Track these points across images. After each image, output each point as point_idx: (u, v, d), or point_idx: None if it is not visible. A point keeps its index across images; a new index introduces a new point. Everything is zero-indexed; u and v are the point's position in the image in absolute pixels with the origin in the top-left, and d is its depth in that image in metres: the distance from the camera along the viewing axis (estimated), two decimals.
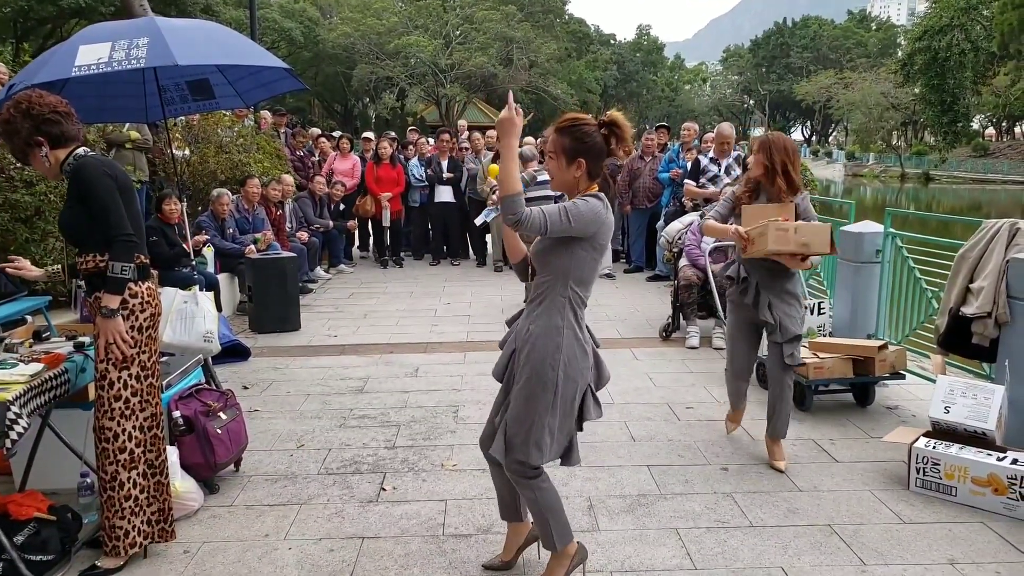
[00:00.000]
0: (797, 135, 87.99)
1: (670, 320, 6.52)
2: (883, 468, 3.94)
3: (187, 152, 7.82)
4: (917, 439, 3.77)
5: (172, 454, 3.45)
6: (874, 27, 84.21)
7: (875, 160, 60.70)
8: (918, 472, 3.68)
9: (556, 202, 2.58)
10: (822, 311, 5.42)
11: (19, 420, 2.79)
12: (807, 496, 3.63)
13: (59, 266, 3.31)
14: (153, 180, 8.11)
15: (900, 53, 64.78)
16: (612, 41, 76.15)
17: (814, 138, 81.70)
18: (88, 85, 4.60)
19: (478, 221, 2.83)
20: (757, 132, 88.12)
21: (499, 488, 2.96)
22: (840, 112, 62.19)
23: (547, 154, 2.64)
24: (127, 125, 7.25)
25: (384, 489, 3.71)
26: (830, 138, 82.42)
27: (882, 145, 61.41)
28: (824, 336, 5.31)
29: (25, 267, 3.30)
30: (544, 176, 2.90)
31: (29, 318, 3.81)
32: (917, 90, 55.20)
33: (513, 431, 2.62)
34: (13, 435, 2.76)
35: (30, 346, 3.34)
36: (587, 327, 2.69)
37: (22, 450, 3.47)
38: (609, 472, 3.89)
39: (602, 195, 2.58)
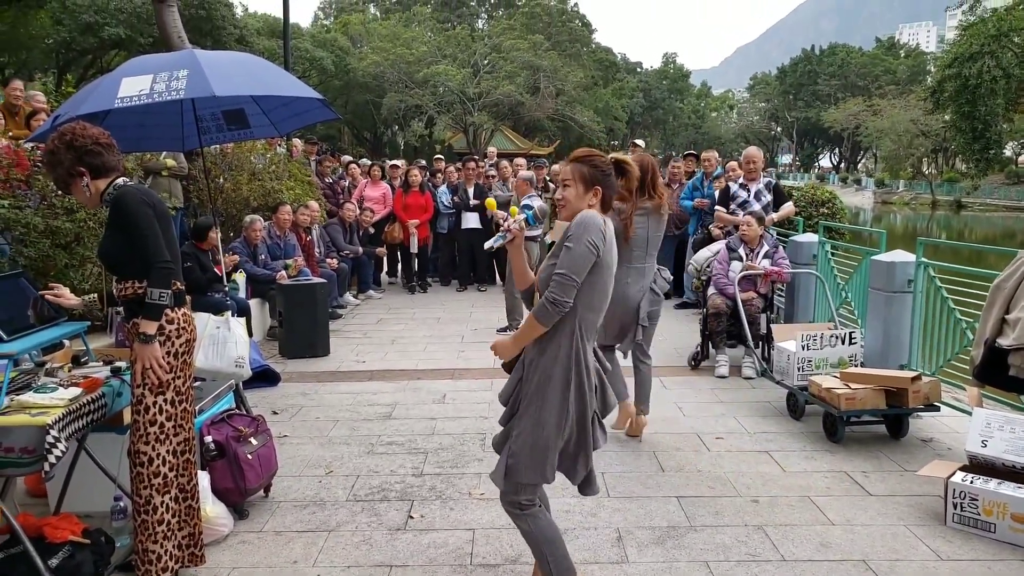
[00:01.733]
0: (826, 162, 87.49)
1: (699, 349, 6.47)
2: (919, 502, 3.86)
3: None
4: (954, 473, 3.70)
5: (203, 479, 3.48)
6: (903, 54, 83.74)
7: (905, 187, 60.02)
8: (955, 507, 3.60)
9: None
10: (853, 341, 5.36)
11: (58, 444, 2.84)
12: (840, 530, 3.57)
13: (95, 295, 3.38)
14: (187, 207, 8.27)
15: (929, 80, 64.22)
16: (639, 69, 76.61)
17: (843, 165, 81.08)
18: (129, 115, 4.69)
19: (486, 246, 2.85)
20: (785, 159, 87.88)
21: None
22: (869, 139, 61.62)
23: (563, 182, 2.69)
24: (163, 153, 7.41)
25: (412, 517, 3.71)
26: (859, 165, 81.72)
27: (912, 172, 60.72)
28: (856, 366, 5.23)
29: (64, 295, 3.37)
30: (528, 201, 2.88)
31: (67, 343, 3.87)
32: (947, 117, 54.52)
33: (517, 457, 2.62)
34: (52, 459, 2.80)
35: (69, 371, 3.40)
36: (596, 350, 2.70)
37: (58, 473, 3.54)
38: (638, 503, 3.85)
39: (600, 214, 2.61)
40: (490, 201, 2.65)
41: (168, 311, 2.93)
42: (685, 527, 3.60)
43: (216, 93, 4.03)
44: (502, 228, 2.71)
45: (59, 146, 2.88)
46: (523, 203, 5.68)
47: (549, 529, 2.73)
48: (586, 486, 2.78)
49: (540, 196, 8.95)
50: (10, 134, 6.27)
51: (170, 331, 2.95)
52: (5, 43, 30.15)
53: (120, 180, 2.96)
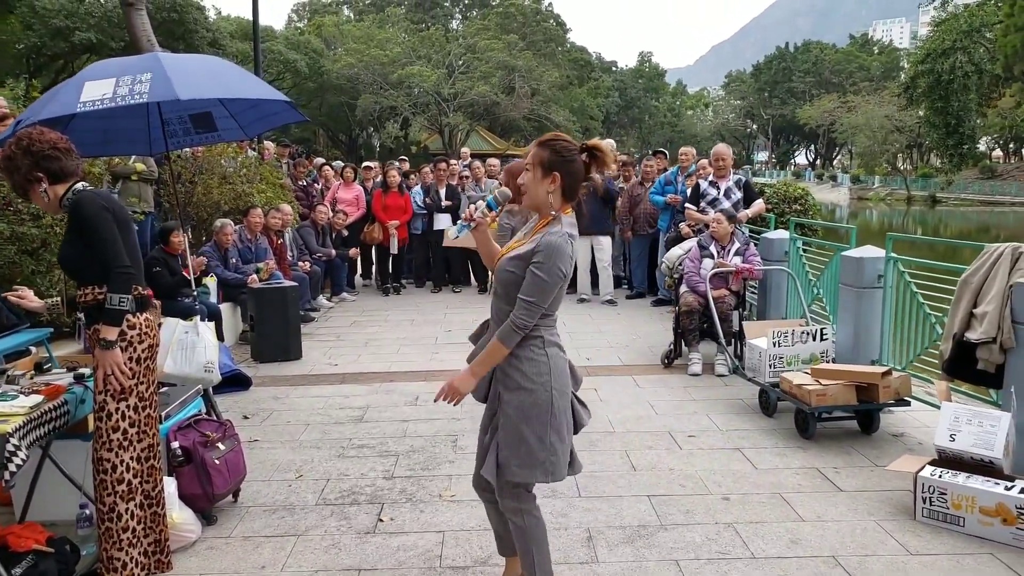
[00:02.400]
0: (801, 159, 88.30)
1: (672, 347, 6.50)
2: (889, 497, 3.89)
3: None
4: (923, 468, 3.73)
5: (170, 485, 3.44)
6: (876, 51, 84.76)
7: (880, 183, 60.73)
8: (924, 502, 3.63)
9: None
10: (824, 337, 5.40)
11: (18, 452, 2.80)
12: (810, 526, 3.59)
13: (59, 298, 3.33)
14: (159, 211, 8.18)
15: (903, 76, 65.09)
16: (614, 68, 76.91)
17: (818, 162, 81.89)
18: (94, 119, 4.64)
19: (450, 237, 2.82)
20: (761, 156, 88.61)
21: (494, 523, 2.94)
22: (844, 136, 62.35)
23: (525, 167, 2.61)
24: (133, 157, 7.32)
25: (381, 520, 3.69)
26: (834, 162, 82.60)
27: (887, 168, 61.50)
28: (827, 362, 5.28)
29: (28, 297, 3.34)
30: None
31: (33, 349, 3.82)
32: (921, 112, 55.41)
33: (508, 454, 2.57)
34: (12, 467, 2.76)
35: (31, 378, 3.35)
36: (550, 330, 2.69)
37: (23, 481, 3.48)
38: (609, 503, 3.86)
39: (567, 232, 2.52)
40: (493, 226, 2.57)
41: (129, 316, 2.90)
42: (655, 526, 3.60)
43: (180, 97, 4.00)
44: (464, 217, 2.66)
45: (16, 151, 2.84)
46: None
47: (540, 530, 2.72)
48: (570, 465, 2.74)
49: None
50: None
51: (132, 336, 2.92)
52: None
53: (79, 185, 2.92)
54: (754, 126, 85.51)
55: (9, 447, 2.75)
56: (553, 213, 2.58)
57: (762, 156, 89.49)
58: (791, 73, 78.03)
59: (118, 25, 25.70)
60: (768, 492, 3.97)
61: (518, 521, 2.68)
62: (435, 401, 2.62)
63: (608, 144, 9.50)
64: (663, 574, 3.17)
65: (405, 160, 11.91)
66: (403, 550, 3.39)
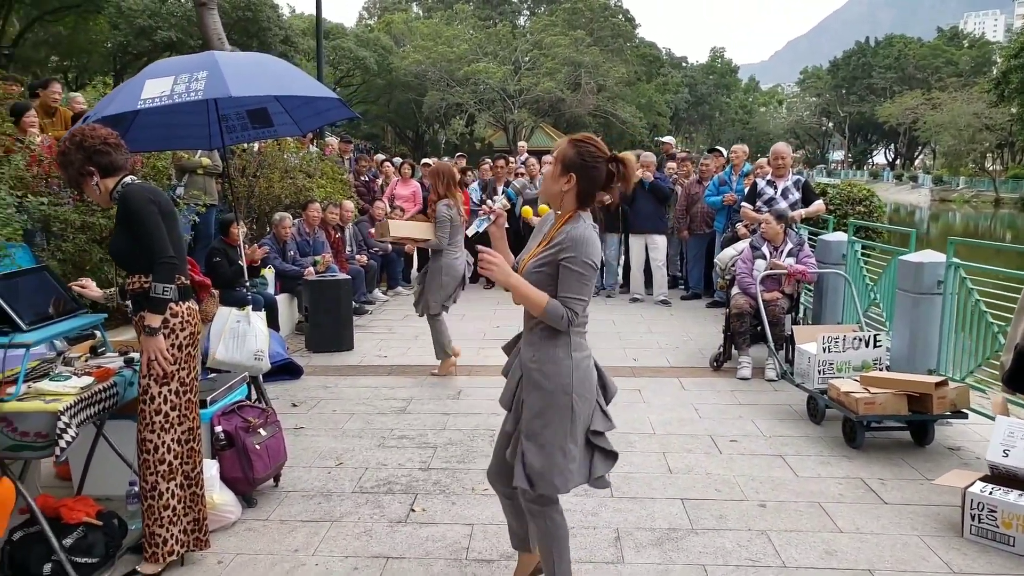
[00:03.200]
0: (880, 158, 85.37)
1: (721, 349, 6.40)
2: (936, 513, 3.75)
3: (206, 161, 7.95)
4: (972, 483, 3.58)
5: (212, 467, 3.58)
6: (966, 44, 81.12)
7: (966, 184, 58.17)
8: (973, 519, 3.49)
9: None
10: (878, 344, 5.23)
11: (68, 430, 2.96)
12: (848, 538, 3.50)
13: (116, 288, 3.49)
14: (223, 203, 8.45)
15: (995, 71, 62.13)
16: (684, 64, 75.68)
17: (898, 162, 78.99)
18: (158, 115, 4.83)
19: (469, 232, 2.80)
20: (836, 156, 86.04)
21: (509, 518, 2.96)
22: (927, 134, 59.93)
23: (546, 161, 2.64)
24: (199, 152, 7.58)
25: (414, 510, 3.76)
26: (916, 162, 79.54)
27: (974, 168, 58.85)
28: (880, 370, 5.12)
29: (89, 287, 3.51)
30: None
31: (97, 333, 4.02)
32: (1014, 110, 52.73)
33: (533, 461, 2.56)
34: (62, 443, 2.93)
35: (85, 360, 3.53)
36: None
37: (79, 457, 3.69)
38: (641, 504, 3.84)
39: (589, 218, 2.55)
40: (526, 209, 2.58)
41: (172, 305, 3.02)
42: (686, 529, 3.57)
43: (232, 93, 4.13)
44: (482, 211, 2.65)
45: (70, 147, 3.00)
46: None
47: (563, 531, 2.72)
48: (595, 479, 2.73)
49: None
50: (48, 134, 6.49)
51: (174, 324, 3.05)
52: (67, 48, 31.28)
53: (128, 179, 3.06)
54: (830, 124, 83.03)
55: (60, 424, 2.91)
56: (569, 213, 2.57)
57: (838, 155, 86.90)
58: (871, 69, 75.39)
59: (196, 23, 26.68)
60: (807, 501, 3.88)
61: (540, 524, 2.69)
62: (480, 270, 2.54)
63: (644, 155, 9.44)
64: None
65: (463, 156, 12.00)
66: (432, 540, 3.45)
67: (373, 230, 7.50)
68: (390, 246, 9.79)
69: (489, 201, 2.67)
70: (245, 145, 8.19)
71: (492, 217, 2.65)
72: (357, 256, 9.07)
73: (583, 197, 2.55)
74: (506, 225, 2.73)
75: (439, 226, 5.97)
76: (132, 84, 4.40)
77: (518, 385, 2.66)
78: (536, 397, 2.56)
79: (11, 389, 3.01)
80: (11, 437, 2.95)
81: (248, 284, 5.54)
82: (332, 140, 10.92)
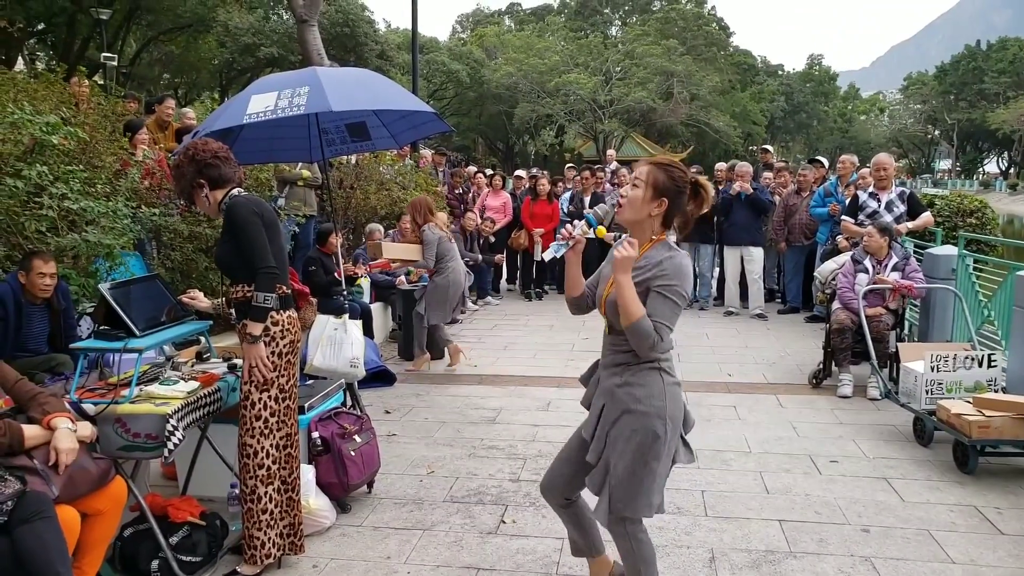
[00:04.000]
0: (991, 167, 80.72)
1: (821, 366, 6.16)
2: None
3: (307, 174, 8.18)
4: None
5: (308, 472, 3.68)
6: None
7: None
8: None
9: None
10: (993, 364, 4.92)
11: (176, 432, 3.09)
12: (961, 570, 3.29)
13: (223, 298, 3.65)
14: (321, 214, 8.73)
15: None
16: (780, 72, 73.56)
17: (1012, 170, 74.45)
18: (261, 129, 5.02)
19: (546, 257, 2.71)
20: (944, 164, 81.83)
21: (568, 528, 2.94)
22: None
23: (632, 181, 2.55)
24: (299, 164, 7.86)
25: (504, 522, 3.76)
26: None
27: None
28: (995, 391, 4.82)
29: (198, 298, 3.67)
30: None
31: (203, 339, 4.21)
32: None
33: (621, 492, 2.52)
34: (170, 445, 3.07)
35: (192, 366, 3.69)
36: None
37: (185, 458, 3.86)
38: (737, 524, 3.72)
39: (681, 248, 2.55)
40: (601, 230, 2.55)
41: (273, 314, 3.12)
42: (784, 552, 3.44)
43: (333, 108, 4.25)
44: (562, 236, 2.61)
45: (183, 160, 3.15)
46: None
47: (649, 550, 2.68)
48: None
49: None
50: (159, 147, 6.85)
51: (275, 332, 3.15)
52: (178, 66, 33.11)
53: (235, 191, 3.19)
54: (936, 132, 79.04)
55: (168, 427, 3.05)
56: (654, 236, 2.55)
57: (945, 164, 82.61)
58: (983, 73, 71.37)
59: (296, 40, 27.76)
60: (915, 528, 3.68)
61: (626, 545, 2.65)
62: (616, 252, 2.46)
63: (740, 166, 9.29)
64: None
65: (573, 168, 12.03)
66: (522, 553, 3.44)
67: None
68: (480, 256, 9.89)
69: (569, 226, 2.61)
70: (344, 158, 8.44)
71: (571, 243, 2.60)
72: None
73: (667, 220, 2.56)
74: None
75: (426, 248, 6.65)
76: (239, 100, 4.59)
77: (600, 414, 2.60)
78: (628, 421, 2.51)
79: (125, 392, 3.16)
80: (124, 438, 3.10)
81: (345, 292, 5.69)
82: (426, 152, 11.12)
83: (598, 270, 2.77)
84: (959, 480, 4.26)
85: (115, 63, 20.74)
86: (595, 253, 8.34)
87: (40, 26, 25.24)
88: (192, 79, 35.10)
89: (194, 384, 3.32)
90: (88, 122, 5.71)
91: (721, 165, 10.53)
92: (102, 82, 17.54)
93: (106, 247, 4.85)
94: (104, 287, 3.44)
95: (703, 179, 2.59)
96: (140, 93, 21.79)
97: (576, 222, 2.62)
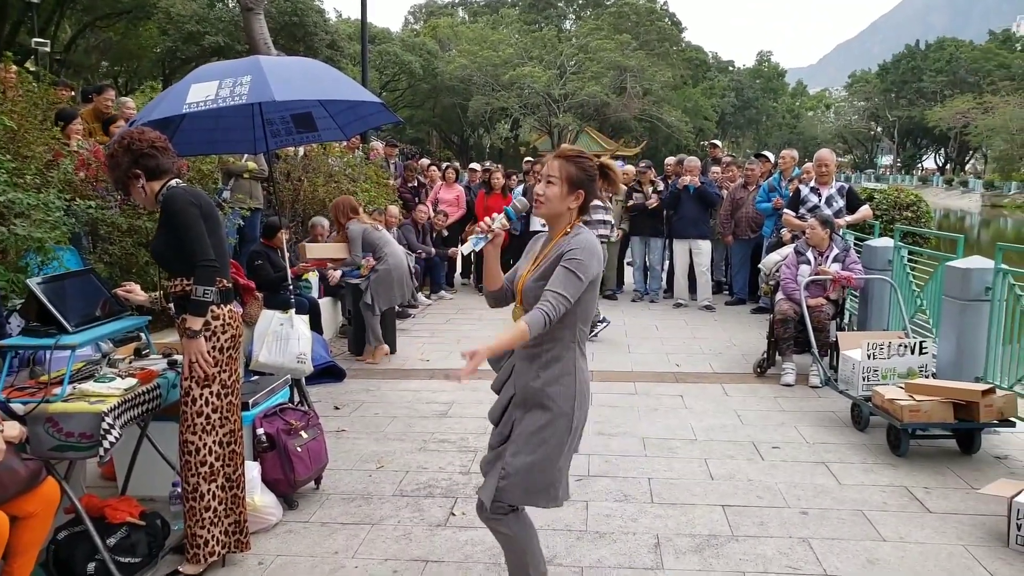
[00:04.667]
0: (930, 163, 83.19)
1: (765, 355, 6.30)
2: (983, 523, 3.66)
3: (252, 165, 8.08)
4: (1019, 493, 3.48)
5: (253, 469, 3.63)
6: (1019, 48, 78.64)
7: (1018, 189, 56.36)
8: (1019, 528, 3.40)
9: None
10: (924, 351, 5.10)
11: (112, 430, 3.02)
12: (890, 547, 3.42)
13: (160, 292, 3.57)
14: (268, 208, 8.59)
15: None
16: (731, 68, 74.72)
17: (948, 166, 76.86)
18: (204, 119, 4.92)
19: (464, 251, 2.69)
20: (886, 160, 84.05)
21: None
22: (978, 139, 58.37)
23: (546, 178, 2.55)
24: (245, 156, 7.72)
25: (454, 514, 3.76)
26: (967, 167, 77.29)
27: None
28: (926, 377, 4.99)
29: (135, 291, 3.59)
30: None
31: (143, 336, 4.11)
32: None
33: (516, 478, 2.54)
34: (106, 444, 2.99)
35: (130, 362, 3.61)
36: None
37: (123, 458, 3.77)
38: (681, 510, 3.79)
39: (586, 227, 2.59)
40: (504, 223, 2.53)
41: (214, 308, 3.07)
42: (727, 536, 3.52)
43: (276, 98, 4.18)
44: (481, 229, 2.59)
45: (118, 150, 3.07)
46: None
47: (529, 528, 2.73)
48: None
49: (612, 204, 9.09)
50: (94, 139, 6.64)
51: (216, 327, 3.09)
52: (118, 53, 32.16)
53: (172, 182, 3.12)
54: (878, 128, 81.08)
55: (104, 425, 2.97)
56: (569, 228, 2.57)
57: (886, 160, 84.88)
58: (921, 72, 73.43)
59: (243, 29, 27.24)
60: (850, 509, 3.80)
61: (505, 531, 2.67)
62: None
63: (688, 160, 9.42)
64: None
65: (531, 161, 12.05)
66: (471, 544, 3.46)
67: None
68: (433, 250, 9.84)
69: (487, 219, 2.60)
70: (291, 149, 8.31)
71: (489, 236, 2.60)
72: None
73: (583, 210, 2.60)
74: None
75: (352, 244, 6.86)
76: (178, 88, 4.48)
77: (509, 402, 2.63)
78: (538, 416, 2.54)
79: (57, 390, 3.07)
80: (57, 437, 3.00)
81: (292, 287, 5.61)
82: (377, 144, 11.01)
83: (515, 267, 2.80)
84: (892, 463, 4.41)
85: (47, 49, 20.04)
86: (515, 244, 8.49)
87: None
88: (132, 68, 34.10)
89: (132, 381, 3.24)
90: (16, 110, 5.50)
91: (671, 160, 10.66)
92: (33, 69, 16.95)
93: (36, 240, 4.67)
94: (33, 282, 3.32)
95: (608, 160, 2.63)
96: (76, 81, 21.12)
97: (495, 215, 2.60)
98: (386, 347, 6.95)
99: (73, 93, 8.03)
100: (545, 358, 2.54)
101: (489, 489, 2.59)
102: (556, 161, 2.56)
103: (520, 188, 10.78)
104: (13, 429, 2.83)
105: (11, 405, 2.98)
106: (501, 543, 2.76)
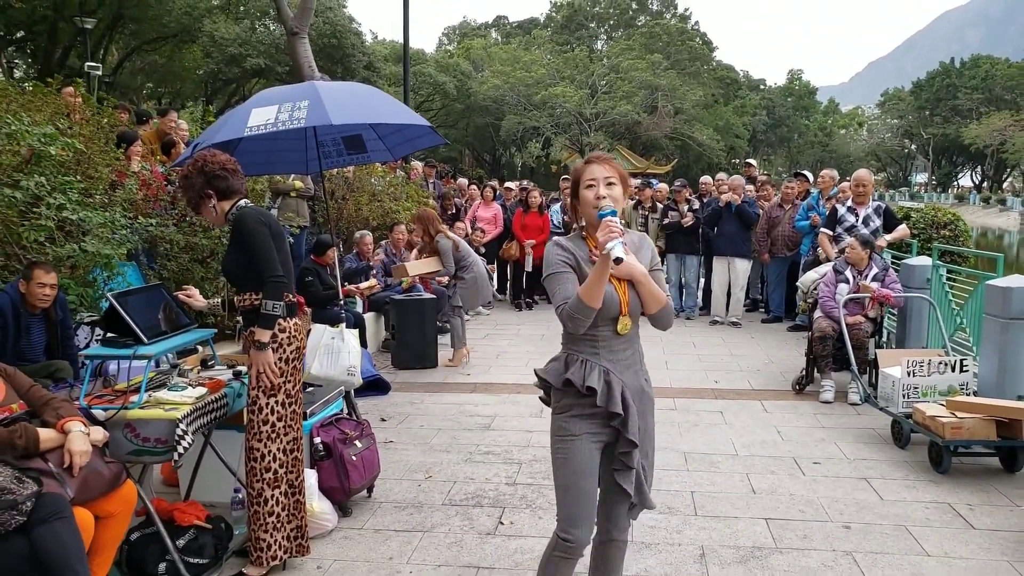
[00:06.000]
0: (965, 181, 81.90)
1: (804, 373, 6.34)
2: None
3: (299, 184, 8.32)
4: None
5: (311, 477, 3.78)
6: None
7: None
8: None
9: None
10: (964, 369, 5.13)
11: (185, 436, 3.20)
12: (935, 562, 3.46)
13: (220, 299, 3.75)
14: (314, 226, 8.84)
15: None
16: (762, 87, 74.46)
17: (985, 184, 75.63)
18: (259, 141, 5.13)
19: (620, 254, 2.42)
20: (920, 178, 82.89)
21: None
22: (1016, 156, 57.44)
23: (607, 181, 2.47)
24: (292, 176, 7.97)
25: (502, 523, 3.88)
26: (1004, 184, 75.98)
27: None
28: (967, 395, 5.01)
29: (195, 296, 3.77)
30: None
31: (200, 348, 4.30)
32: None
33: (651, 479, 2.70)
34: (180, 449, 3.17)
35: (197, 372, 3.79)
36: None
37: (188, 464, 3.94)
38: (725, 523, 3.87)
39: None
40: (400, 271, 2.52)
41: (280, 321, 3.24)
42: (770, 548, 3.59)
43: (333, 122, 4.38)
44: (617, 232, 2.32)
45: (192, 171, 3.27)
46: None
47: None
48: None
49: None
50: (156, 158, 6.91)
51: (282, 339, 3.26)
52: (162, 75, 33.03)
53: (242, 202, 3.31)
54: (912, 146, 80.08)
55: (178, 431, 3.15)
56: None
57: (921, 178, 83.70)
58: (956, 90, 72.54)
59: (284, 51, 27.77)
60: (893, 524, 3.85)
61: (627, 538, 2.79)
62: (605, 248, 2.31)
63: (733, 178, 9.58)
64: None
65: (534, 185, 12.21)
66: (520, 552, 3.56)
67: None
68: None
69: (614, 221, 2.35)
70: (336, 170, 8.56)
71: (624, 240, 2.35)
72: (438, 278, 9.29)
73: None
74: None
75: (444, 256, 7.22)
76: (239, 112, 4.70)
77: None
78: (649, 416, 2.66)
79: (134, 398, 3.27)
80: (134, 442, 3.20)
81: (342, 303, 5.80)
82: (417, 164, 11.24)
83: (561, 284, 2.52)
84: (934, 479, 4.44)
85: (99, 72, 20.66)
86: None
87: (19, 34, 25.13)
88: (176, 89, 34.98)
89: (202, 390, 3.42)
90: (83, 133, 5.79)
91: (706, 178, 10.74)
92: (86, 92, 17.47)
93: (104, 257, 4.92)
94: (112, 295, 3.53)
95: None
96: (123, 102, 21.71)
97: (616, 219, 2.38)
98: (467, 347, 7.55)
99: (129, 115, 8.34)
100: (639, 354, 2.68)
101: (645, 494, 2.64)
102: (604, 165, 2.51)
103: (557, 206, 10.93)
104: (97, 433, 3.02)
105: (92, 412, 3.17)
106: (621, 553, 2.79)
